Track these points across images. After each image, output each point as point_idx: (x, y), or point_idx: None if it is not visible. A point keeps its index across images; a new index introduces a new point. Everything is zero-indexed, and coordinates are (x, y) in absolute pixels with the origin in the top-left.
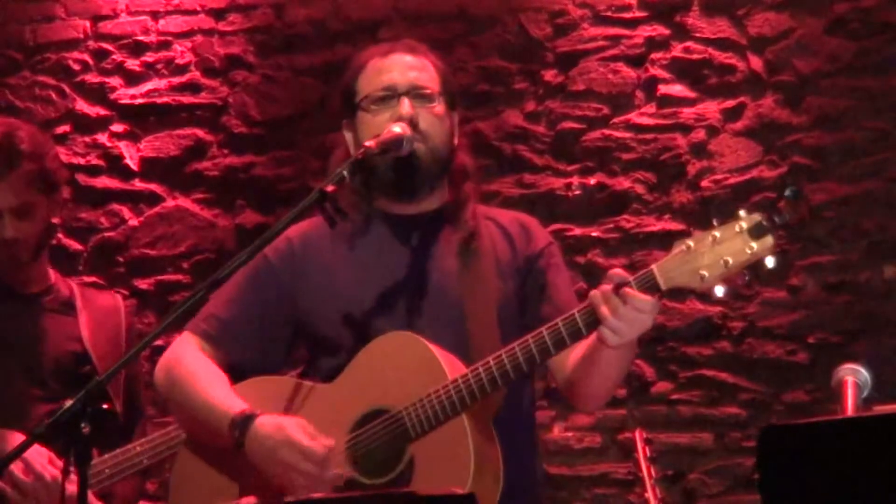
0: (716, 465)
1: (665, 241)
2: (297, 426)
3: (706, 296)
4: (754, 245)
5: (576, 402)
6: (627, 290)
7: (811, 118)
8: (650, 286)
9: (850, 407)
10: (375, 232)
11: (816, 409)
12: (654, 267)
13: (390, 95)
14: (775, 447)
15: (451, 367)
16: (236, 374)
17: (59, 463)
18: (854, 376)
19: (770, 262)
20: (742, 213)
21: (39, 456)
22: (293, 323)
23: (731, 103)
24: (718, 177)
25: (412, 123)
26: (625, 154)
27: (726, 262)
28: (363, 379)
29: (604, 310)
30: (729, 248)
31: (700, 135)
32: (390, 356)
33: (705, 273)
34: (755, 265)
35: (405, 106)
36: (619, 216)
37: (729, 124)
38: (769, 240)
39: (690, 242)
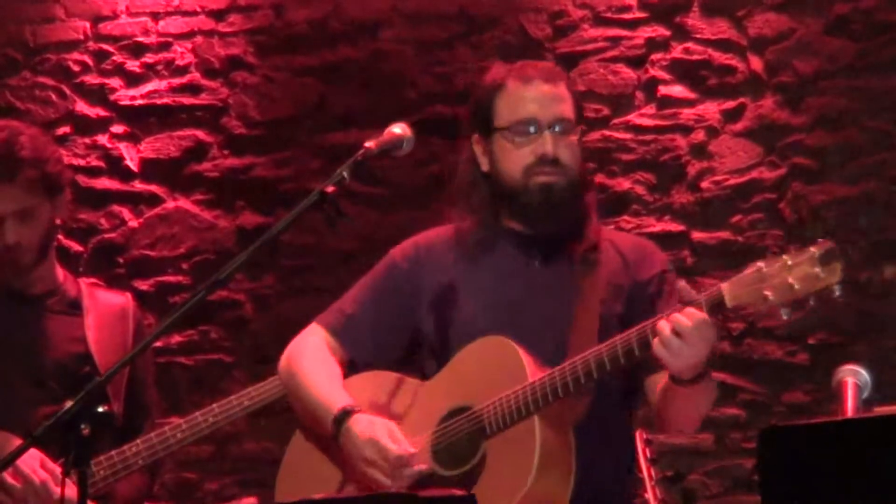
0: (716, 466)
1: (665, 242)
2: (384, 427)
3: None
4: (823, 273)
5: (661, 427)
6: (685, 310)
7: (811, 119)
8: (716, 303)
9: (850, 408)
10: (500, 249)
11: (816, 409)
12: (722, 285)
13: (532, 129)
14: (775, 448)
15: (535, 371)
16: (353, 370)
17: (51, 466)
18: (854, 377)
19: (837, 290)
20: (819, 240)
21: (30, 459)
22: (411, 330)
23: (731, 104)
24: (718, 178)
25: (553, 160)
26: (625, 155)
27: (792, 287)
28: (454, 378)
29: (661, 324)
30: (798, 273)
31: (700, 136)
32: (481, 358)
33: (769, 295)
34: (822, 292)
35: (548, 144)
36: (620, 217)
37: (729, 125)
38: (837, 267)
39: (762, 264)
